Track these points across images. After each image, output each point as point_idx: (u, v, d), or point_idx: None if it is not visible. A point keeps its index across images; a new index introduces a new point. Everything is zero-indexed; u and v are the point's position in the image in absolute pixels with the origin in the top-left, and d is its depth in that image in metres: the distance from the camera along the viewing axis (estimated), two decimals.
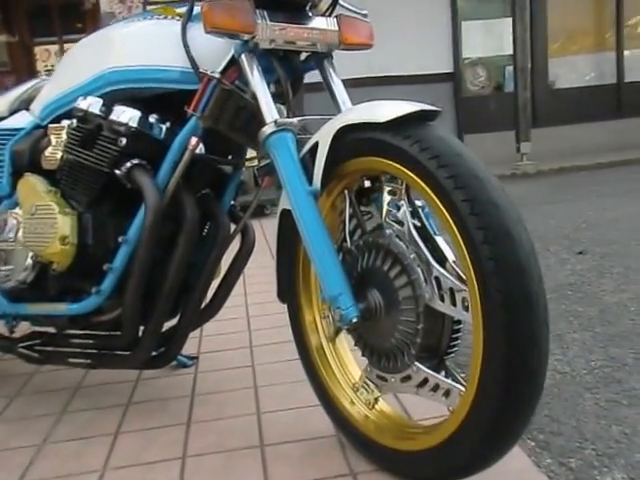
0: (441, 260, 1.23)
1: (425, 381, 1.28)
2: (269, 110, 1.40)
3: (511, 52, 8.08)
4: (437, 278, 1.20)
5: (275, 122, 1.37)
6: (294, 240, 1.48)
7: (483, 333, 1.10)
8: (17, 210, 1.80)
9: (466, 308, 1.16)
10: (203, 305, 1.78)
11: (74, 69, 1.75)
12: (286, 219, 1.43)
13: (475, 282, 1.09)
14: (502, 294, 1.06)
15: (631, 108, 8.91)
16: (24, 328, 1.97)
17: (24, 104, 1.95)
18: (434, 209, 1.15)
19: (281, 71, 1.45)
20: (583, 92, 9.02)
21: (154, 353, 1.73)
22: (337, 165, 1.34)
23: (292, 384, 1.90)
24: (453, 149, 1.13)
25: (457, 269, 1.19)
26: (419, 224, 1.27)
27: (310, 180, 1.33)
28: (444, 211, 1.12)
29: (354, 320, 1.27)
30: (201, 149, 1.59)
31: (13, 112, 1.95)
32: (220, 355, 2.25)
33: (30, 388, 2.13)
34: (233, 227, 1.74)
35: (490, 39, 8.86)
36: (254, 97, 1.42)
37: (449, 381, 1.25)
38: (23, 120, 1.90)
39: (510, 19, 7.95)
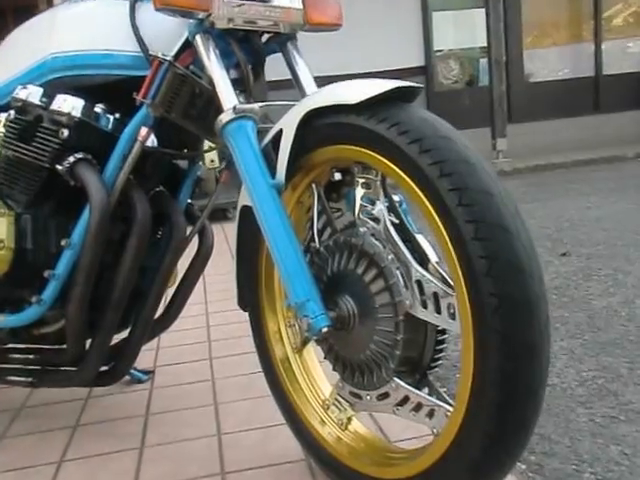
0: (423, 261, 1.11)
1: (405, 399, 1.16)
2: (227, 96, 1.29)
3: (485, 44, 7.90)
4: (419, 282, 1.08)
5: (234, 109, 1.26)
6: (255, 240, 1.37)
7: (473, 344, 0.98)
8: None
9: (452, 315, 1.04)
10: (157, 315, 1.66)
11: (14, 56, 1.64)
12: (246, 217, 1.31)
13: (464, 285, 0.97)
14: (496, 298, 0.94)
15: (609, 102, 8.88)
16: None
17: None
18: (415, 201, 1.03)
19: (240, 54, 1.35)
20: (560, 86, 8.94)
21: (103, 369, 1.61)
22: (303, 155, 1.22)
23: (256, 400, 1.80)
24: (438, 131, 1.02)
25: (442, 271, 1.08)
26: (397, 221, 1.16)
27: (273, 173, 1.22)
28: (427, 203, 1.00)
29: (324, 330, 1.14)
30: (153, 142, 1.49)
31: None
32: (178, 368, 2.14)
33: None
34: (190, 229, 1.63)
35: (462, 30, 8.72)
36: (211, 83, 1.32)
37: (433, 399, 1.12)
38: None
39: (483, 9, 7.76)
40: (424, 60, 8.64)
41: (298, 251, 1.20)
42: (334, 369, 1.32)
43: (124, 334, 1.63)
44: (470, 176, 0.97)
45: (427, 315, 1.08)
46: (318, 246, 1.27)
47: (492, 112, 7.63)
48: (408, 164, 1.02)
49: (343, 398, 1.33)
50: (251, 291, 1.45)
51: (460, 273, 0.98)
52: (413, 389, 1.15)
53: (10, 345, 1.74)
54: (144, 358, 2.14)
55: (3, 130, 1.53)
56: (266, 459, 1.50)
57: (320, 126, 1.16)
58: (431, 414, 1.12)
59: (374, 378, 1.20)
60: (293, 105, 1.22)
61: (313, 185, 1.28)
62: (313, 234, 1.29)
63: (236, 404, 1.81)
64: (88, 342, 1.56)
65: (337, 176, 1.25)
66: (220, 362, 2.15)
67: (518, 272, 0.94)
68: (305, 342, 1.42)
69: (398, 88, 1.07)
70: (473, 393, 1.00)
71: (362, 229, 1.18)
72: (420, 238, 1.14)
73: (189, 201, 1.67)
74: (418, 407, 1.15)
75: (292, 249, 1.19)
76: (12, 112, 1.50)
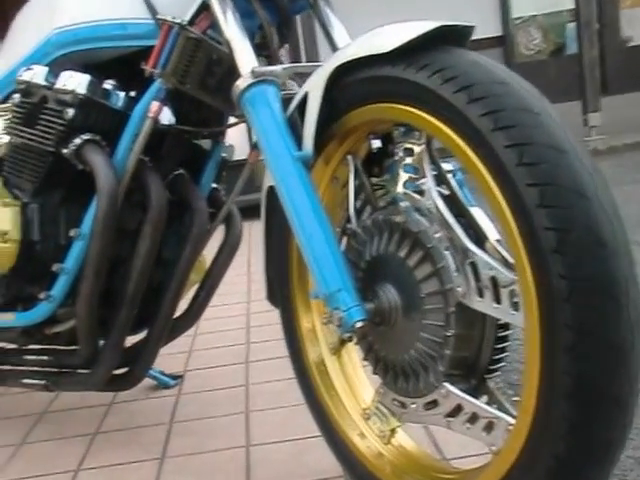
0: (479, 240, 0.93)
1: (458, 409, 0.98)
2: (245, 58, 1.16)
3: (572, 6, 6.91)
4: (474, 265, 0.91)
5: (252, 72, 1.12)
6: (285, 226, 1.20)
7: (540, 342, 0.80)
8: None
9: (515, 306, 0.86)
10: (178, 313, 1.54)
11: (18, 39, 1.57)
12: (274, 200, 1.17)
13: (529, 267, 0.79)
14: (569, 281, 0.76)
15: None
16: None
17: None
18: (466, 165, 0.86)
19: (263, 12, 1.24)
20: None
21: (118, 372, 1.50)
22: (335, 121, 1.07)
23: (291, 409, 1.65)
24: (492, 75, 0.84)
25: (502, 251, 0.90)
26: (447, 193, 0.99)
27: (300, 144, 1.07)
28: (479, 164, 0.82)
29: (358, 324, 0.98)
30: (171, 120, 1.38)
31: None
32: (210, 373, 2.02)
33: None
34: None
35: None
36: (230, 48, 1.19)
37: (493, 410, 0.94)
38: None
39: None
40: (501, 29, 8.01)
41: (328, 233, 1.04)
42: (374, 372, 1.15)
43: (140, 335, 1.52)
44: (534, 128, 0.79)
45: (484, 306, 0.91)
46: (355, 227, 1.11)
47: (583, 83, 6.62)
48: (455, 118, 0.85)
49: (385, 407, 1.16)
50: (282, 285, 1.31)
51: (523, 251, 0.80)
52: (467, 397, 0.97)
53: (25, 347, 1.65)
54: (174, 362, 2.05)
55: (9, 116, 1.45)
56: (298, 476, 1.38)
57: (351, 84, 1.01)
58: (489, 428, 0.94)
59: (420, 383, 1.03)
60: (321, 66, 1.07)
61: (349, 157, 1.12)
62: (350, 214, 1.12)
63: (269, 412, 1.68)
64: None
65: (376, 144, 1.09)
66: (257, 366, 2.02)
67: (598, 247, 0.76)
68: (343, 342, 1.26)
69: (442, 29, 0.91)
70: (540, 403, 0.83)
71: (404, 204, 1.01)
72: (477, 212, 0.97)
73: (214, 185, 1.54)
74: (473, 419, 0.97)
75: (321, 230, 1.03)
76: (17, 96, 1.41)
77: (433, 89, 0.87)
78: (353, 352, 1.29)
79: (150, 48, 1.29)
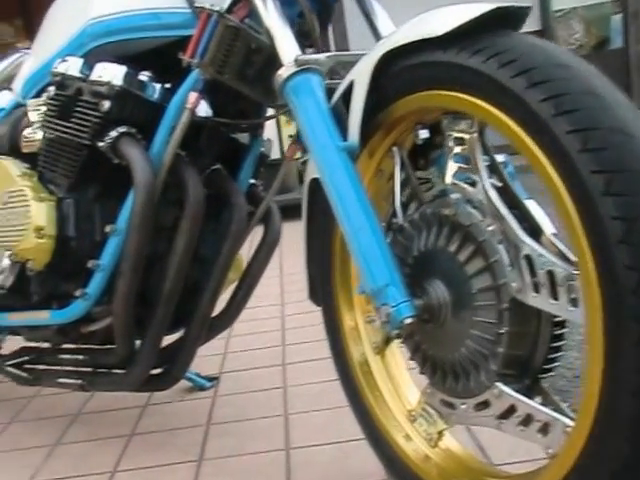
0: (534, 233, 0.90)
1: (511, 410, 0.94)
2: (288, 46, 1.13)
3: None
4: (529, 258, 0.87)
5: (295, 60, 1.09)
6: (328, 220, 1.18)
7: (603, 339, 0.76)
8: None
9: (574, 302, 0.82)
10: (215, 313, 1.51)
11: (54, 32, 1.54)
12: (316, 193, 1.15)
13: (590, 258, 0.75)
14: (638, 274, 0.72)
15: None
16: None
17: (5, 83, 1.76)
18: (523, 153, 0.82)
19: (304, 0, 1.21)
20: None
21: (155, 372, 1.48)
22: (381, 110, 1.04)
23: (331, 411, 1.62)
24: (553, 58, 0.81)
25: (559, 244, 0.86)
26: (500, 184, 0.95)
27: (345, 135, 1.04)
28: (538, 152, 0.79)
29: (407, 321, 0.95)
30: (208, 112, 1.35)
31: None
32: (246, 375, 1.99)
33: (27, 414, 1.95)
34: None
35: None
36: (270, 37, 1.17)
37: (548, 411, 0.90)
38: (3, 100, 1.70)
39: None
40: (540, 22, 7.82)
41: (375, 226, 1.01)
42: (422, 372, 1.12)
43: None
44: (599, 111, 0.75)
45: (540, 301, 0.87)
46: (401, 222, 1.08)
47: (628, 79, 6.44)
48: (512, 104, 0.81)
49: (433, 408, 1.12)
50: (324, 282, 1.27)
51: (585, 243, 0.76)
52: (522, 397, 0.94)
53: (63, 346, 1.64)
54: (210, 363, 2.04)
55: (42, 110, 1.44)
56: (342, 479, 1.34)
57: (399, 71, 0.98)
58: (545, 430, 0.91)
59: (471, 383, 1.00)
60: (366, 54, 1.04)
61: (394, 148, 1.09)
62: (395, 208, 1.09)
63: (309, 415, 1.65)
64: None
65: (423, 134, 1.05)
66: (294, 368, 1.99)
67: None
68: (387, 340, 1.23)
69: (496, 11, 0.87)
70: (603, 403, 0.78)
71: (455, 196, 0.97)
72: (531, 204, 0.93)
73: (252, 181, 1.51)
74: (527, 420, 0.93)
75: (368, 223, 1.00)
76: (51, 89, 1.39)
77: (489, 74, 0.84)
78: (397, 352, 1.26)
79: (185, 38, 1.27)
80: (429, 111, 1.00)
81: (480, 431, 1.35)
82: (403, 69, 0.97)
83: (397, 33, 0.99)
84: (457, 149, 0.97)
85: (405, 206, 1.10)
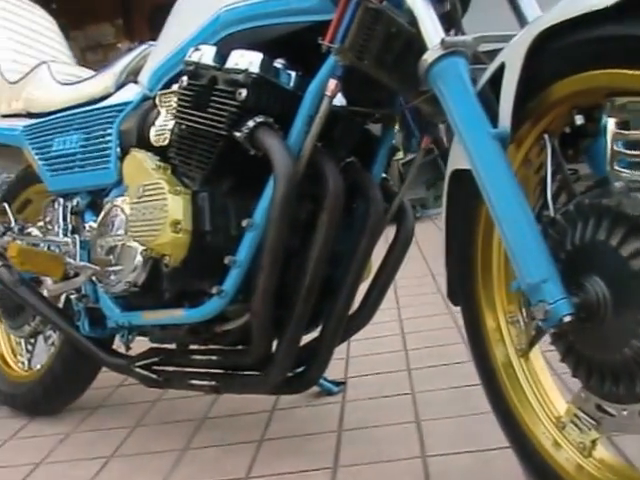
0: None
1: None
2: (433, 29, 1.10)
3: None
4: None
5: (442, 42, 1.06)
6: (469, 214, 1.16)
7: None
8: (125, 197, 1.59)
9: None
10: (350, 311, 1.48)
11: (182, 22, 1.54)
12: (458, 185, 1.12)
13: None
14: None
15: None
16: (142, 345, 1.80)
17: (132, 76, 1.76)
18: None
19: None
20: None
21: (290, 374, 1.46)
22: (535, 95, 1.00)
23: (465, 418, 1.58)
24: None
25: None
26: None
27: (493, 122, 1.01)
28: None
29: (566, 319, 0.91)
30: (342, 101, 1.33)
31: (120, 87, 1.76)
32: (372, 380, 1.97)
33: (151, 418, 1.98)
34: None
35: None
36: (410, 20, 1.14)
37: None
38: (130, 94, 1.71)
39: None
40: None
41: (531, 219, 0.99)
42: (574, 375, 1.06)
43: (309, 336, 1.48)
44: None
45: None
46: (553, 214, 1.03)
47: None
48: None
49: (586, 414, 1.07)
50: (464, 280, 1.24)
51: None
52: None
53: (192, 347, 1.64)
54: (332, 368, 2.02)
55: (176, 101, 1.43)
56: None
57: (559, 50, 0.93)
58: None
59: (636, 387, 0.94)
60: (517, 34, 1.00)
61: (545, 136, 1.05)
62: (546, 200, 1.04)
63: (442, 422, 1.60)
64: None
65: (579, 120, 1.00)
66: (420, 374, 1.96)
67: None
68: (533, 342, 1.18)
69: None
70: None
71: (618, 184, 0.92)
72: None
73: (384, 175, 1.48)
74: None
75: (523, 215, 0.98)
76: (184, 78, 1.39)
77: None
78: (540, 355, 1.22)
79: (317, 24, 1.26)
80: (591, 93, 0.95)
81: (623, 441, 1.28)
82: (563, 48, 0.92)
83: (554, 10, 0.95)
84: (622, 133, 0.92)
85: (555, 198, 1.05)
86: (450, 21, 1.19)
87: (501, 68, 0.99)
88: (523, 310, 1.16)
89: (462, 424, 1.56)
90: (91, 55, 7.69)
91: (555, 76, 0.96)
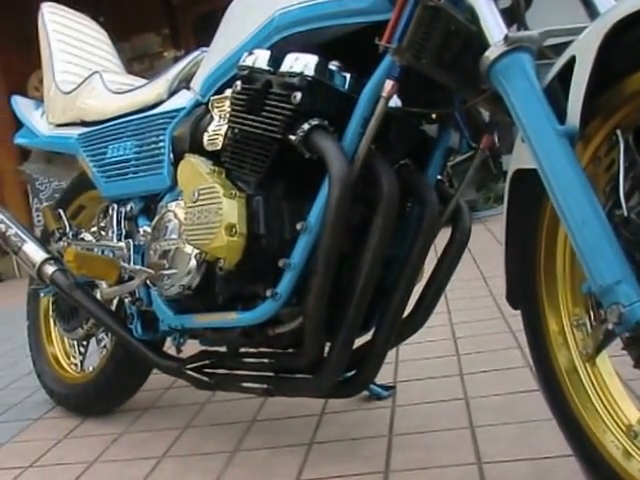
0: None
1: None
2: (495, 25, 1.04)
3: None
4: None
5: (505, 38, 1.00)
6: (532, 214, 1.10)
7: None
8: (179, 201, 1.56)
9: None
10: (404, 314, 1.43)
11: (235, 27, 1.50)
12: (520, 185, 1.06)
13: None
14: None
15: None
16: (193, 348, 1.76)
17: (184, 83, 1.73)
18: None
19: None
20: None
21: (341, 377, 1.41)
22: (606, 89, 0.94)
23: (521, 425, 1.50)
24: None
25: None
26: None
27: (561, 119, 0.94)
28: None
29: None
30: (397, 102, 1.27)
31: (173, 93, 1.73)
32: (423, 384, 1.90)
33: (201, 420, 1.94)
34: None
35: None
36: (469, 17, 1.09)
37: None
38: (183, 100, 1.68)
39: None
40: None
41: (602, 218, 0.92)
42: None
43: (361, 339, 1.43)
44: None
45: None
46: (627, 213, 0.96)
47: None
48: None
49: None
50: (526, 282, 1.17)
51: None
52: None
53: (243, 350, 1.61)
54: (381, 372, 1.96)
55: (230, 106, 1.40)
56: None
57: (635, 42, 0.87)
58: None
59: None
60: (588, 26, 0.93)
61: (618, 132, 0.98)
62: (618, 198, 0.97)
63: (497, 428, 1.52)
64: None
65: None
66: (472, 379, 1.88)
67: None
68: (601, 346, 1.10)
69: None
70: None
71: None
72: None
73: (439, 177, 1.42)
74: None
75: (594, 214, 0.91)
76: (238, 83, 1.35)
77: None
78: (607, 360, 1.14)
79: (372, 24, 1.21)
80: None
81: None
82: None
83: (628, 0, 0.88)
84: None
85: (628, 196, 0.98)
86: (512, 17, 1.13)
87: (570, 62, 0.93)
88: (591, 313, 1.09)
89: (519, 431, 1.47)
90: (138, 65, 7.73)
91: (630, 69, 0.90)
